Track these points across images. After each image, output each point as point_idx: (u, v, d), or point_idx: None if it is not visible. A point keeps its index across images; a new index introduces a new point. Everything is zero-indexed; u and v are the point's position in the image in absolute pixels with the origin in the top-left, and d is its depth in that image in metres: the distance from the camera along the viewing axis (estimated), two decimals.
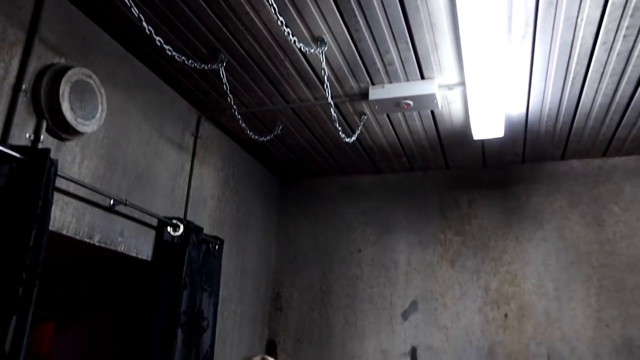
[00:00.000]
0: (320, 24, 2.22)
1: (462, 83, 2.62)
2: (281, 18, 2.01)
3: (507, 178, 3.66)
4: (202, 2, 2.10)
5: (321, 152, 3.62)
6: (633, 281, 3.20)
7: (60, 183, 2.03)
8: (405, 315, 3.59)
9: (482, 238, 3.59)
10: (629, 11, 2.04)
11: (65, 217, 2.09)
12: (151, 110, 2.67)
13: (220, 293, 3.04)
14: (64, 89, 1.99)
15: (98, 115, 2.17)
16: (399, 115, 3.01)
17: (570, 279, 3.32)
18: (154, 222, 2.65)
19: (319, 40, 2.33)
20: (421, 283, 3.63)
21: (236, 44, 2.38)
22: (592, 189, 3.45)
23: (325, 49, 2.36)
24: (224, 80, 2.53)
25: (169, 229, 2.67)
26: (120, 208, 2.38)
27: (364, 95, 2.77)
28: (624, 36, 2.21)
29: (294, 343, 3.77)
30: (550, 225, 3.47)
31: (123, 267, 2.85)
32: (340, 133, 2.82)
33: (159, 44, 2.03)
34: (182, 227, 2.70)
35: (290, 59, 2.50)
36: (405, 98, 2.63)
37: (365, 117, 3.05)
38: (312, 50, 2.33)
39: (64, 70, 2.01)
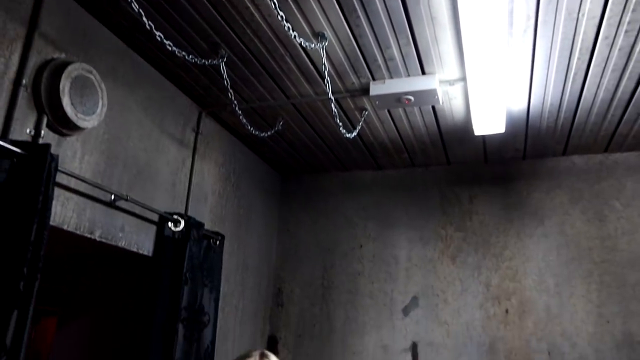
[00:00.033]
0: (321, 19, 2.21)
1: (463, 78, 2.62)
2: (281, 13, 2.01)
3: (508, 174, 3.66)
4: None
5: (322, 147, 3.62)
6: (634, 277, 3.20)
7: (60, 178, 2.03)
8: (406, 311, 3.60)
9: (483, 234, 3.59)
10: (631, 6, 2.03)
11: (66, 212, 2.09)
12: (152, 105, 2.67)
13: (221, 288, 3.05)
14: (65, 84, 1.99)
15: (98, 110, 2.17)
16: (400, 110, 3.01)
17: (571, 274, 3.32)
18: (155, 217, 2.65)
19: (319, 36, 2.32)
20: (422, 279, 3.63)
21: (236, 39, 2.38)
22: (593, 185, 3.44)
23: (326, 44, 2.35)
24: (225, 75, 2.53)
25: (169, 224, 2.67)
26: (121, 203, 2.38)
27: (365, 90, 2.76)
28: (626, 31, 2.20)
29: (295, 338, 3.78)
30: (552, 221, 3.46)
31: (124, 263, 2.85)
32: (341, 128, 2.81)
33: (159, 39, 2.03)
34: (183, 222, 2.70)
35: (290, 54, 2.50)
36: (406, 93, 2.63)
37: (366, 112, 3.04)
38: (313, 46, 2.33)
39: (64, 65, 2.01)
